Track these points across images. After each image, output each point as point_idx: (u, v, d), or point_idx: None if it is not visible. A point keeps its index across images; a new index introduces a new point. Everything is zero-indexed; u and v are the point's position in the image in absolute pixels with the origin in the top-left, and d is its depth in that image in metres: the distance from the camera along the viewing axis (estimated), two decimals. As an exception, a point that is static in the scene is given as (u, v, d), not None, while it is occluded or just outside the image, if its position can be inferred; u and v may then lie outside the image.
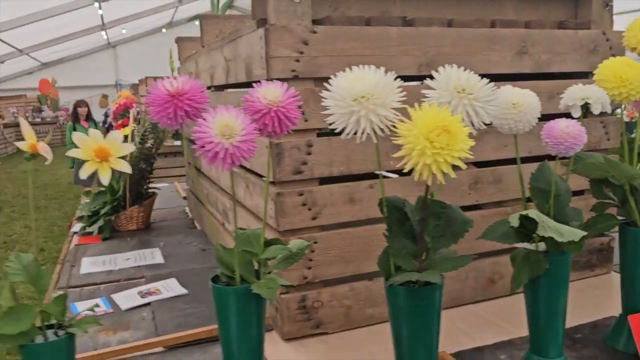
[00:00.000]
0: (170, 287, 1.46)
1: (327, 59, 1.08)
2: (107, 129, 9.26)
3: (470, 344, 1.10)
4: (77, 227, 2.17)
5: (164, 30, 17.85)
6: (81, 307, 1.34)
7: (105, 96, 18.76)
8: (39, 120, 15.40)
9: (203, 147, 0.67)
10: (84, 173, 0.71)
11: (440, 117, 0.64)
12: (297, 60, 1.06)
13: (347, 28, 1.09)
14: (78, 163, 5.81)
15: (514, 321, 1.20)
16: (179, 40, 2.30)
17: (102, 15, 13.69)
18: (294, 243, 0.85)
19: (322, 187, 1.12)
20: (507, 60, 1.25)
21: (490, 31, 1.23)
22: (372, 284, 1.19)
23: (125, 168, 0.74)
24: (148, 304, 1.37)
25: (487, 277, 1.31)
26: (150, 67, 16.84)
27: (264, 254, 0.81)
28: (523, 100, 0.86)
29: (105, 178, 0.72)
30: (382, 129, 0.69)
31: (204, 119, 0.67)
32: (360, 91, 0.67)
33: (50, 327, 0.70)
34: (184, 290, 1.44)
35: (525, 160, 1.24)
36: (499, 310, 1.27)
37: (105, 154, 0.73)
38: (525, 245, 0.91)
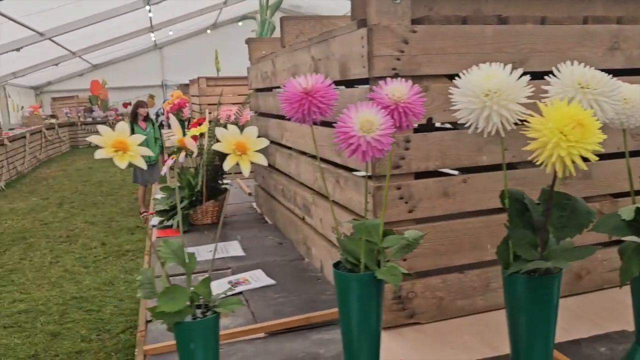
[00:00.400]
0: (258, 278, 1.53)
1: (426, 57, 1.12)
2: (158, 127, 9.54)
3: (566, 337, 1.12)
4: (155, 220, 2.27)
5: (208, 31, 18.20)
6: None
7: (152, 96, 19.27)
8: (90, 119, 15.99)
9: (343, 140, 0.72)
10: (227, 165, 0.77)
11: (574, 112, 0.67)
12: (398, 59, 1.10)
13: (445, 27, 1.13)
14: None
15: (605, 316, 1.21)
16: (250, 41, 2.38)
17: (151, 18, 14.09)
18: (409, 233, 0.89)
19: (418, 182, 1.16)
20: (598, 56, 1.26)
21: (582, 27, 1.24)
22: (463, 276, 1.22)
23: (262, 160, 0.80)
24: (240, 292, 1.44)
25: (575, 273, 1.32)
26: (195, 68, 17.25)
27: (383, 243, 0.86)
28: (634, 96, 0.88)
29: (246, 169, 0.77)
30: (505, 124, 0.72)
31: (345, 115, 0.72)
32: (492, 87, 0.70)
33: (197, 306, 0.76)
34: (271, 281, 1.50)
35: (615, 156, 1.24)
36: (588, 304, 1.27)
37: (243, 147, 0.78)
38: (633, 238, 0.92)
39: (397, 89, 0.77)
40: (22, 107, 15.27)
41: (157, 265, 1.71)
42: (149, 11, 12.26)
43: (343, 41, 1.23)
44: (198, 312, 0.75)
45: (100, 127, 0.74)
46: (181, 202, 2.16)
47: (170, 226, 2.14)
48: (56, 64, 14.42)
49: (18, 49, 10.10)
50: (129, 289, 3.84)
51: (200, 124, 2.28)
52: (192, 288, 0.75)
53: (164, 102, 11.88)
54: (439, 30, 1.12)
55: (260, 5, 7.94)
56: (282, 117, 2.01)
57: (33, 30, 10.00)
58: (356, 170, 1.36)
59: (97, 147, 0.84)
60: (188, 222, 2.14)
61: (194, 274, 1.61)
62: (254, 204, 2.58)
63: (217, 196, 2.21)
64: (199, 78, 6.83)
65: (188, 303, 0.74)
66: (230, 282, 1.50)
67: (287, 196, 1.93)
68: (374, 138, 0.70)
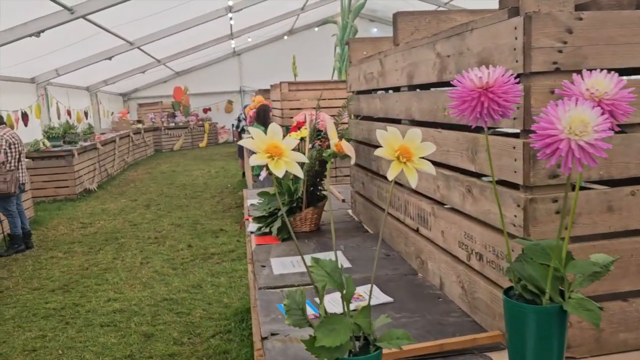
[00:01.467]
0: (373, 294, 1.41)
1: (593, 49, 0.96)
2: (239, 132, 9.73)
3: None
4: (252, 227, 2.22)
5: (285, 37, 18.46)
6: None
7: (230, 102, 19.84)
8: (172, 124, 16.65)
9: (545, 145, 0.58)
10: (391, 174, 0.65)
11: None
12: (560, 51, 0.95)
13: (616, 13, 0.96)
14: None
15: None
16: (351, 42, 2.28)
17: (231, 25, 14.48)
18: (597, 257, 0.74)
19: (578, 194, 1.00)
20: None
21: None
22: (628, 305, 1.04)
23: (430, 169, 0.68)
24: (354, 310, 1.33)
25: None
26: (271, 74, 17.53)
27: (567, 269, 0.71)
28: None
29: (413, 179, 0.66)
30: None
31: (549, 113, 0.58)
32: None
33: (356, 337, 0.66)
34: (388, 298, 1.38)
35: None
36: None
37: (408, 153, 0.67)
38: None
39: (600, 82, 0.63)
40: (112, 113, 16.15)
41: (262, 275, 1.63)
42: (230, 19, 12.57)
43: (485, 34, 1.09)
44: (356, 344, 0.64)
45: (252, 130, 0.65)
46: (278, 209, 2.09)
47: (269, 233, 2.08)
48: (143, 72, 15.12)
49: (110, 58, 10.66)
50: (216, 292, 3.86)
51: (299, 128, 2.20)
52: (350, 317, 0.64)
53: (244, 107, 12.15)
54: (609, 16, 0.96)
55: (342, 9, 7.88)
56: (389, 120, 1.89)
57: (124, 39, 10.51)
58: (484, 175, 1.22)
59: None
60: (287, 229, 2.07)
61: (296, 286, 1.53)
62: (350, 212, 2.48)
63: (317, 203, 2.12)
64: (280, 83, 6.86)
65: (349, 336, 0.63)
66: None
67: (396, 205, 1.81)
68: (587, 142, 0.56)
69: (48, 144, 8.10)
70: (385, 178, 1.93)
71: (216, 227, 5.92)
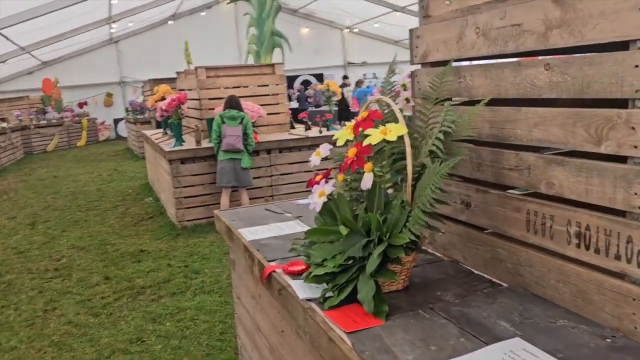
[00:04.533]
0: None
1: None
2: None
3: None
4: (305, 289, 1.35)
5: (170, 22, 16.90)
6: None
7: (109, 94, 17.79)
8: (44, 122, 14.45)
9: None
10: None
11: None
12: None
13: None
14: (225, 161, 4.95)
15: None
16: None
17: (110, 8, 12.75)
18: None
19: None
20: None
21: None
22: None
23: None
24: None
25: None
26: (157, 63, 15.95)
27: None
28: None
29: None
30: None
31: None
32: None
33: None
34: None
35: None
36: None
37: None
38: None
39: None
40: (-34, 111, 13.59)
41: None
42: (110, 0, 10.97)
43: None
44: None
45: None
46: (359, 259, 1.24)
47: (336, 306, 1.23)
48: (3, 61, 12.85)
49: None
50: (167, 348, 2.85)
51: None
52: None
53: (143, 99, 10.65)
54: None
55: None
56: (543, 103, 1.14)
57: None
58: None
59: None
60: (380, 295, 1.22)
61: None
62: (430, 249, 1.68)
63: (418, 240, 1.31)
64: (196, 68, 5.79)
65: None
66: None
67: (558, 235, 1.06)
68: None
69: None
70: (537, 195, 1.17)
71: (133, 247, 4.78)
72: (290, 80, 15.54)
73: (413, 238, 1.19)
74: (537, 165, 1.20)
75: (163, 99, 6.58)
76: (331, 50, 18.45)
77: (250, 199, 5.24)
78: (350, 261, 1.28)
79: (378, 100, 1.39)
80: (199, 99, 5.82)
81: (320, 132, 5.76)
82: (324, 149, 1.48)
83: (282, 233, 1.92)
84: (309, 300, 1.31)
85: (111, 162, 10.99)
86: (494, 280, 1.37)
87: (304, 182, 5.87)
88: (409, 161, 1.22)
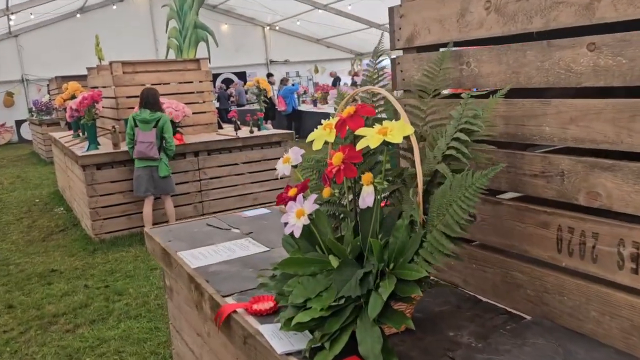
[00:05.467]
0: None
1: None
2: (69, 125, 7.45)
3: None
4: (274, 338, 1.03)
5: (78, 15, 15.72)
6: None
7: (10, 94, 16.28)
8: None
9: None
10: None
11: None
12: None
13: None
14: (141, 169, 4.39)
15: None
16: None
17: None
18: None
19: None
20: None
21: None
22: None
23: None
24: None
25: None
26: (64, 60, 14.73)
27: None
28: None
29: None
30: None
31: None
32: None
33: None
34: None
35: None
36: None
37: None
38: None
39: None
40: None
41: None
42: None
43: None
44: None
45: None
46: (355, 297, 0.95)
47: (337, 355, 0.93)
48: None
49: None
50: (89, 390, 2.41)
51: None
52: None
53: (50, 99, 9.71)
54: None
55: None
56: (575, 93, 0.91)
57: None
58: None
59: None
60: (388, 346, 0.93)
61: None
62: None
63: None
64: (111, 63, 5.24)
65: None
66: None
67: (601, 258, 0.84)
68: None
69: None
70: (573, 208, 0.94)
71: (42, 266, 4.18)
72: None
73: (431, 270, 0.91)
74: (575, 170, 0.97)
75: (73, 97, 5.94)
76: (253, 48, 18.00)
77: (176, 206, 4.78)
78: (342, 300, 0.98)
79: (366, 91, 1.10)
80: (115, 97, 5.26)
81: (252, 132, 5.39)
82: (295, 155, 1.17)
83: (234, 256, 1.58)
84: (289, 354, 1.00)
85: (13, 168, 9.95)
86: (510, 310, 1.13)
87: (237, 185, 5.50)
88: (418, 169, 0.94)
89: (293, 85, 11.98)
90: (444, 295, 1.23)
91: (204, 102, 5.70)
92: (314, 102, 12.27)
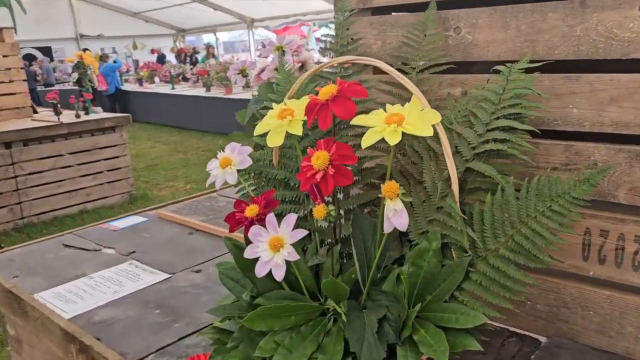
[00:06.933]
0: None
1: None
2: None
3: None
4: None
5: None
6: None
7: None
8: None
9: None
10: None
11: None
12: None
13: None
14: None
15: None
16: None
17: None
18: None
19: None
20: None
21: None
22: None
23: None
24: None
25: None
26: None
27: None
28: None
29: None
30: None
31: None
32: None
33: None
34: None
35: None
36: None
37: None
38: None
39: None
40: None
41: None
42: None
43: None
44: None
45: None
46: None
47: None
48: None
49: None
50: None
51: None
52: None
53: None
54: None
55: None
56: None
57: None
58: None
59: None
60: None
61: None
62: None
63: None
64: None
65: None
66: None
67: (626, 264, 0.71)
68: None
69: None
70: (606, 206, 0.78)
71: None
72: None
73: (495, 314, 0.66)
74: (614, 161, 0.79)
75: None
76: (59, 21, 15.85)
77: (-14, 210, 3.87)
78: (353, 364, 0.68)
79: (346, 62, 0.79)
80: None
81: (78, 116, 4.59)
82: (239, 154, 0.82)
83: (124, 291, 1.16)
84: None
85: None
86: (514, 330, 0.94)
87: (64, 180, 4.66)
88: (452, 170, 0.67)
89: (115, 62, 10.77)
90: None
91: (11, 81, 4.70)
92: (139, 81, 11.23)
